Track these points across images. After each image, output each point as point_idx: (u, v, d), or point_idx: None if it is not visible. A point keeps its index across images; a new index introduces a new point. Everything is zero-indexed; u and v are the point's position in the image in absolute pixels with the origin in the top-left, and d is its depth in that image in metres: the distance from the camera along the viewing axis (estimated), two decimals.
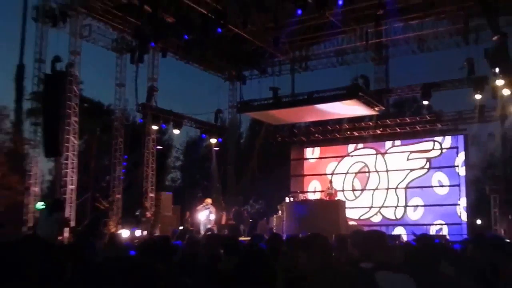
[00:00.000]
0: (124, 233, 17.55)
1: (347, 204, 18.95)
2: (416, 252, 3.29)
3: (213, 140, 22.81)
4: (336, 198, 18.03)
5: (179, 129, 21.44)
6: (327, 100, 17.44)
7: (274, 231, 17.89)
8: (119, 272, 1.99)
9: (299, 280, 2.93)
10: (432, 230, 19.05)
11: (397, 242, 11.09)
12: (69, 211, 17.19)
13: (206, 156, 28.14)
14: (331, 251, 3.33)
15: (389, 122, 21.22)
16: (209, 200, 18.15)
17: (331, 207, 17.07)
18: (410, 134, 20.97)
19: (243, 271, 3.28)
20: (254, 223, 22.62)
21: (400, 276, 2.89)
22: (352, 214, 20.78)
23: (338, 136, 22.38)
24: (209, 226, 17.35)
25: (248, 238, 13.83)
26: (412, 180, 20.78)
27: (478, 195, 20.35)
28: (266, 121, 21.92)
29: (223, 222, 21.29)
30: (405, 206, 20.62)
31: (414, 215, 20.47)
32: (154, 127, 21.05)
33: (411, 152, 20.98)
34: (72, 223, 17.03)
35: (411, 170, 20.77)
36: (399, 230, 19.80)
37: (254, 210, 31.42)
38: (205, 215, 17.67)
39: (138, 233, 18.74)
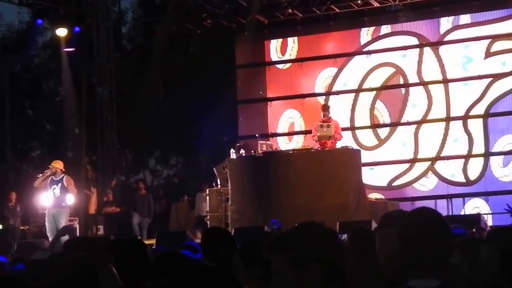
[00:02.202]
0: None
1: (365, 157, 19.49)
2: None
3: (62, 32, 22.67)
4: (338, 145, 18.34)
5: None
6: None
7: (208, 220, 18.61)
8: None
9: None
10: None
11: (476, 233, 11.08)
12: None
13: (49, 66, 29.13)
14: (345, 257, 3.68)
15: None
16: (58, 164, 17.82)
17: (330, 164, 17.39)
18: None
19: None
20: (163, 209, 23.20)
21: None
22: (376, 177, 21.40)
23: (338, 11, 22.20)
24: (63, 219, 17.31)
25: (149, 242, 15.11)
26: (498, 99, 20.94)
27: None
28: None
29: (94, 208, 21.95)
30: (487, 154, 20.92)
31: (505, 172, 20.71)
32: None
33: (494, 38, 21.00)
34: None
35: (495, 77, 20.88)
36: (477, 204, 20.46)
37: (161, 180, 31.96)
38: (53, 196, 17.52)
39: None
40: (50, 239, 16.49)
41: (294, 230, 3.58)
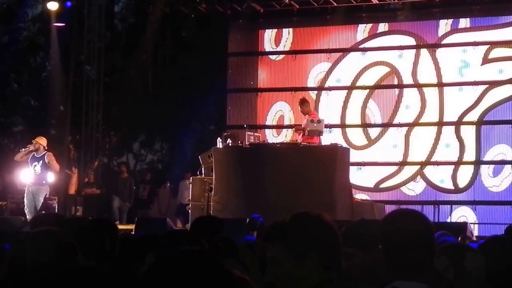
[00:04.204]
0: None
1: (353, 156, 19.52)
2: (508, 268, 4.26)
3: (53, 6, 22.79)
4: (326, 142, 18.69)
5: None
6: None
7: (190, 209, 18.50)
8: None
9: None
10: None
11: (462, 240, 11.31)
12: None
13: (37, 40, 29.54)
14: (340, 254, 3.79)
15: None
16: (41, 140, 17.95)
17: (317, 160, 17.45)
18: (493, 4, 21.08)
19: None
20: (146, 194, 23.22)
21: None
22: (363, 177, 21.49)
23: (336, 5, 22.20)
24: (42, 197, 17.57)
25: (128, 227, 15.44)
26: (493, 106, 20.93)
27: None
28: None
29: (74, 188, 21.98)
30: (478, 162, 20.95)
31: (495, 182, 20.73)
32: None
33: (492, 44, 21.01)
34: None
35: (492, 85, 20.90)
36: (464, 212, 20.59)
37: (144, 165, 32.12)
38: (33, 173, 17.67)
39: None
40: (28, 216, 16.69)
41: (294, 219, 3.62)
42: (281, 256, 3.55)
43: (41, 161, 17.42)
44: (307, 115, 18.03)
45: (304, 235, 3.54)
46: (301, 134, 17.95)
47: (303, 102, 18.57)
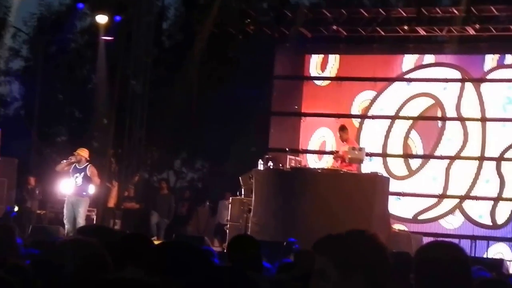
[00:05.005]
0: None
1: (393, 185, 19.46)
2: None
3: (102, 19, 23.02)
4: (366, 170, 18.77)
5: None
6: None
7: (228, 229, 18.52)
8: None
9: None
10: None
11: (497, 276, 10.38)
12: None
13: (84, 53, 29.12)
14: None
15: (495, 12, 21.03)
16: (84, 152, 17.76)
17: (356, 187, 17.35)
18: None
19: None
20: (185, 211, 23.44)
21: None
22: (402, 208, 21.31)
23: (383, 34, 22.24)
24: (82, 208, 17.23)
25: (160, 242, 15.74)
26: None
27: None
28: None
29: (113, 201, 22.05)
30: None
31: None
32: None
33: None
34: None
35: None
36: (501, 249, 20.38)
37: (184, 182, 31.83)
38: (74, 184, 17.42)
39: None
40: (66, 226, 16.76)
41: (348, 235, 3.53)
42: (328, 270, 3.43)
43: (82, 173, 17.35)
44: (345, 142, 18.03)
45: (356, 252, 3.42)
46: (339, 161, 17.91)
47: (343, 129, 18.53)
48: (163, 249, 4.88)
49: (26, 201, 21.66)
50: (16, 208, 20.96)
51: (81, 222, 17.01)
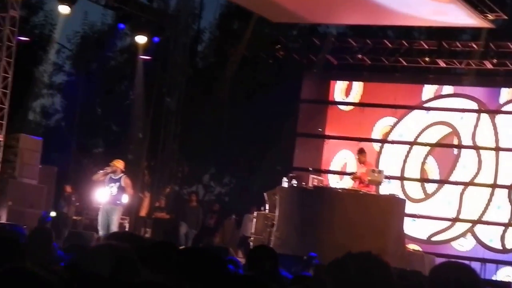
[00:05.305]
0: None
1: (409, 207, 19.47)
2: None
3: (142, 39, 23.12)
4: (384, 192, 18.42)
5: (69, 4, 21.08)
6: None
7: (252, 242, 18.84)
8: None
9: None
10: None
11: None
12: None
13: (123, 70, 28.99)
14: None
15: None
16: (119, 164, 17.93)
17: (375, 207, 17.41)
18: None
19: None
20: (213, 223, 23.55)
21: None
22: (416, 229, 21.43)
23: (405, 64, 22.50)
24: (116, 216, 17.54)
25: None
26: None
27: None
28: (258, 12, 21.82)
29: (145, 211, 22.41)
30: None
31: None
32: None
33: None
34: None
35: None
36: (509, 272, 20.56)
37: (212, 196, 31.70)
38: (109, 193, 17.58)
39: None
40: (100, 233, 17.01)
41: (353, 257, 3.49)
42: None
43: (117, 183, 17.50)
44: (362, 164, 18.24)
45: (360, 274, 3.38)
46: (357, 182, 18.07)
47: (361, 152, 18.72)
48: (187, 254, 4.97)
49: (63, 207, 21.91)
50: (52, 214, 21.05)
51: (114, 229, 16.97)
